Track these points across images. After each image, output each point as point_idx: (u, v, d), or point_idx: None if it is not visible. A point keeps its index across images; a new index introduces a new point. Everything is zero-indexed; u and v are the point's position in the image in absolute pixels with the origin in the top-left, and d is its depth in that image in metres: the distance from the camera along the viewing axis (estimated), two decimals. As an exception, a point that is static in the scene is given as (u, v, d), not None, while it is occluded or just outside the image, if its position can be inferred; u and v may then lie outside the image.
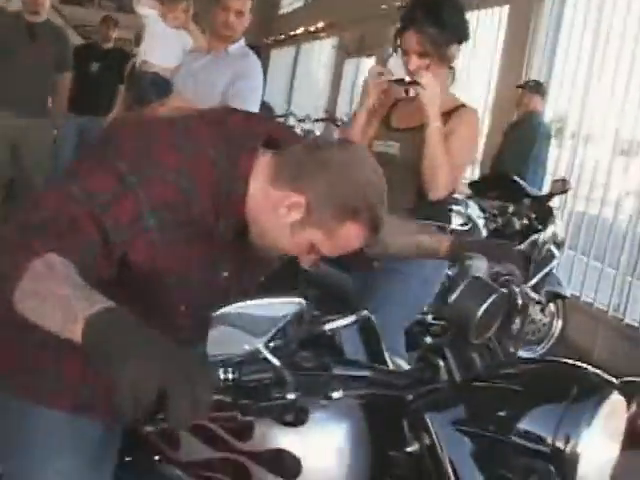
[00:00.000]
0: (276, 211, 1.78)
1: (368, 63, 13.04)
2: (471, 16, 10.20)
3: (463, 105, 3.41)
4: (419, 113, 3.27)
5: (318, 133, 11.44)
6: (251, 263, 1.98)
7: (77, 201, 1.65)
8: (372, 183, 1.81)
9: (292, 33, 18.84)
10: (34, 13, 6.27)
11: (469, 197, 6.17)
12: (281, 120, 11.26)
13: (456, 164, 3.30)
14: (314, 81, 17.85)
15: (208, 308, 1.61)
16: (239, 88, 4.39)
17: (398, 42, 3.37)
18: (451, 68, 3.45)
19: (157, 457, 1.96)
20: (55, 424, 1.91)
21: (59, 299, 1.40)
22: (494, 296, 1.74)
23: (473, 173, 9.60)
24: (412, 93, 3.46)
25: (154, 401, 1.20)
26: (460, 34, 3.39)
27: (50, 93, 6.48)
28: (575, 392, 1.59)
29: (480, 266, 1.97)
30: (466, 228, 5.59)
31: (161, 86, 4.43)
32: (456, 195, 6.30)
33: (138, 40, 5.94)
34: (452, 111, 3.34)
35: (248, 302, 1.53)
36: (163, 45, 4.50)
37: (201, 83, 4.47)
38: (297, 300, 1.58)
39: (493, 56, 9.63)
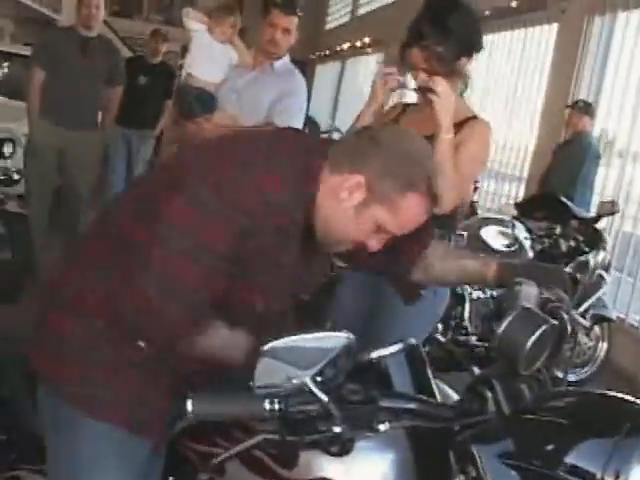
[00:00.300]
0: (338, 197, 1.89)
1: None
2: (519, 34, 10.18)
3: (475, 117, 3.26)
4: (429, 122, 3.08)
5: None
6: (313, 266, 2.09)
7: (205, 265, 1.78)
8: (424, 155, 1.97)
9: (338, 48, 18.87)
10: (87, 27, 6.34)
11: (516, 218, 6.12)
12: (325, 135, 11.27)
13: (465, 177, 3.15)
14: (359, 96, 17.85)
15: (282, 304, 1.88)
16: (285, 105, 4.39)
17: (404, 56, 3.20)
18: (465, 77, 3.29)
19: (203, 480, 1.96)
20: (106, 438, 1.93)
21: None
22: (543, 327, 1.71)
23: (518, 193, 9.55)
24: (418, 99, 3.35)
25: None
26: (470, 46, 3.21)
27: (100, 106, 6.54)
28: (627, 428, 1.56)
29: (530, 292, 1.92)
30: (512, 249, 5.54)
31: (206, 101, 4.43)
32: (503, 216, 6.27)
33: (184, 53, 6.00)
34: (463, 122, 3.17)
35: (297, 337, 1.53)
36: (209, 59, 4.51)
37: (245, 99, 4.47)
38: (344, 334, 1.58)
39: (541, 74, 9.57)
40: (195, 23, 4.55)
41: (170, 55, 9.78)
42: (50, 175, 6.44)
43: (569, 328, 1.91)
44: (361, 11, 18.74)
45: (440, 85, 3.03)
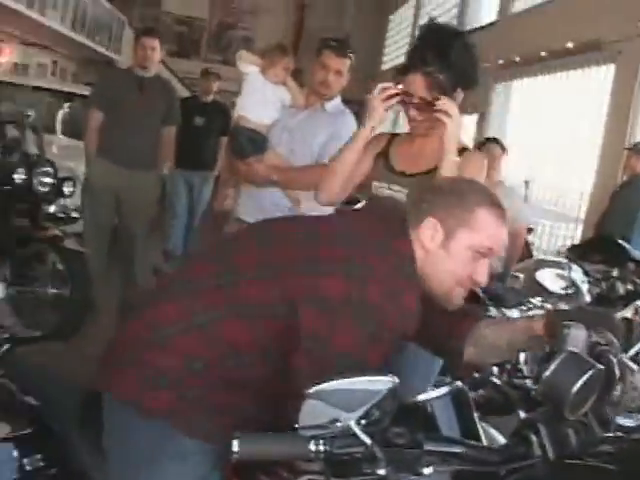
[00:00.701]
0: (425, 248, 2.04)
1: (469, 120, 13.02)
2: (574, 75, 10.16)
3: (467, 148, 3.23)
4: (421, 157, 3.12)
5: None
6: None
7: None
8: (469, 179, 2.33)
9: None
10: (143, 68, 6.48)
11: (572, 260, 6.07)
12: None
13: None
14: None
15: None
16: (336, 147, 4.43)
17: (400, 82, 3.11)
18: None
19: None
20: (180, 448, 2.00)
21: None
22: (590, 372, 1.71)
23: (576, 235, 9.48)
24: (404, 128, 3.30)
25: None
26: (467, 79, 3.13)
27: (157, 146, 6.62)
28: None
29: (578, 335, 1.92)
30: (569, 292, 5.49)
31: (257, 142, 4.47)
32: (559, 259, 6.22)
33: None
34: (459, 153, 3.11)
35: (342, 379, 1.55)
36: (261, 101, 4.54)
37: (297, 139, 4.48)
38: (390, 378, 1.59)
39: (599, 115, 9.52)
40: (248, 65, 4.58)
41: (225, 94, 9.85)
42: (107, 214, 6.55)
43: (617, 372, 1.90)
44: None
45: (453, 108, 3.00)
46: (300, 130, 4.52)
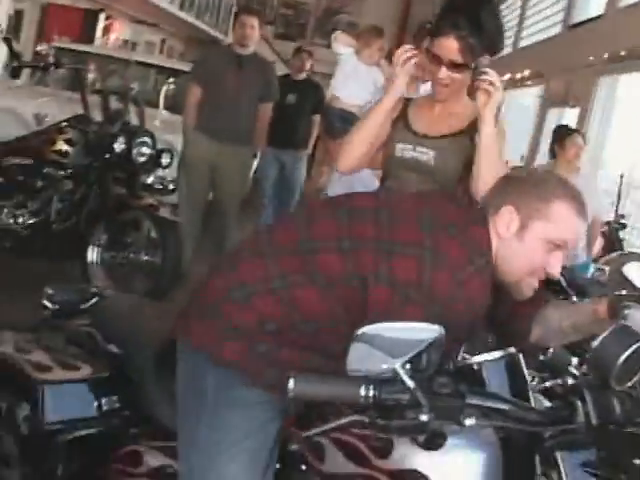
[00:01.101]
0: (501, 236, 2.07)
1: (571, 113, 12.86)
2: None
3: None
4: (445, 119, 3.17)
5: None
6: None
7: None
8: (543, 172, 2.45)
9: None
10: (242, 46, 6.62)
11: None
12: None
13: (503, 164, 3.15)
14: (515, 130, 17.69)
15: None
16: None
17: (429, 46, 3.09)
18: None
19: (303, 467, 2.07)
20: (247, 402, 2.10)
21: None
22: (638, 344, 1.75)
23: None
24: (420, 92, 3.32)
25: None
26: (496, 44, 3.12)
27: (253, 122, 6.75)
28: None
29: (637, 315, 1.97)
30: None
31: (348, 122, 4.51)
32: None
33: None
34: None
35: (389, 324, 1.64)
36: (354, 82, 4.59)
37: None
38: (435, 327, 1.66)
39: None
40: (343, 47, 4.62)
41: (317, 75, 9.79)
42: (202, 187, 6.71)
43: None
44: (523, 43, 18.62)
45: (499, 79, 3.01)
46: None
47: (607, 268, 5.45)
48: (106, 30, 16.26)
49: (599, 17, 13.51)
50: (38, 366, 2.60)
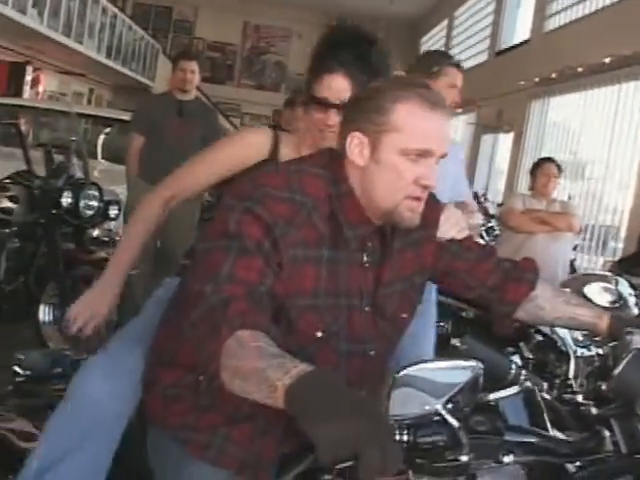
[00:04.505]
0: (356, 164, 1.89)
1: (506, 138, 13.06)
2: (611, 90, 10.15)
3: None
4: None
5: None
6: (390, 292, 2.03)
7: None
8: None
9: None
10: (183, 91, 6.58)
11: (618, 274, 6.06)
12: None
13: None
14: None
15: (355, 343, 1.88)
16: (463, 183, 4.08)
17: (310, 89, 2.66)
18: None
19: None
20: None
21: (257, 373, 1.51)
22: (661, 368, 1.73)
23: (616, 252, 9.46)
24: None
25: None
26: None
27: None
28: None
29: None
30: (617, 306, 5.47)
31: None
32: (606, 273, 6.21)
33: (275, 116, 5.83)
34: None
35: (430, 363, 1.59)
36: None
37: None
38: (474, 364, 1.62)
39: (637, 131, 9.50)
40: None
41: (247, 117, 9.62)
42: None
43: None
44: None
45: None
46: None
47: (568, 290, 5.47)
48: (34, 82, 16.11)
49: (525, 42, 13.80)
50: (22, 435, 2.50)
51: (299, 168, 1.95)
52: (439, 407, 1.56)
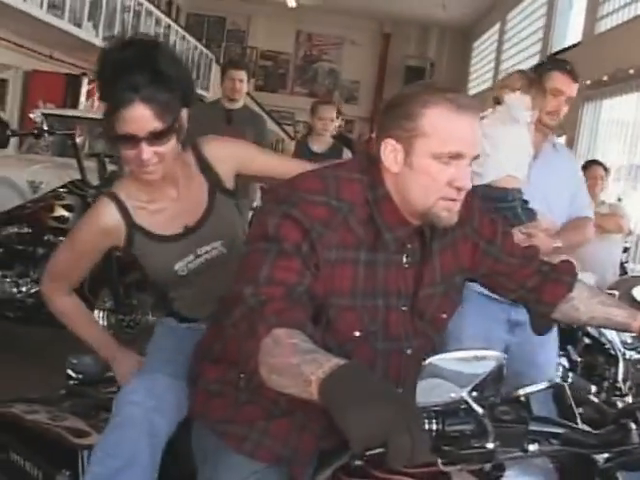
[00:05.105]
0: (392, 171, 1.93)
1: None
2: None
3: None
4: (181, 212, 2.60)
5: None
6: (431, 292, 2.07)
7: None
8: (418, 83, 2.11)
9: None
10: (232, 100, 6.66)
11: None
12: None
13: None
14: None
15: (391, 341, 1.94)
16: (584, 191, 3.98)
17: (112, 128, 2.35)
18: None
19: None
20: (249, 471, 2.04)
21: (292, 369, 1.61)
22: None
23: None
24: None
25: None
26: (190, 87, 2.58)
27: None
28: None
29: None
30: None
31: (531, 209, 3.51)
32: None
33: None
34: None
35: (455, 353, 1.63)
36: (527, 157, 3.77)
37: (548, 195, 3.63)
38: (498, 354, 1.66)
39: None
40: (522, 111, 3.38)
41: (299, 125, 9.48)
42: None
43: None
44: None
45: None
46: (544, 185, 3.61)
47: (616, 292, 5.43)
48: (89, 94, 16.31)
49: (577, 45, 13.68)
50: (76, 432, 2.58)
51: (336, 174, 2.00)
52: (464, 395, 1.60)
